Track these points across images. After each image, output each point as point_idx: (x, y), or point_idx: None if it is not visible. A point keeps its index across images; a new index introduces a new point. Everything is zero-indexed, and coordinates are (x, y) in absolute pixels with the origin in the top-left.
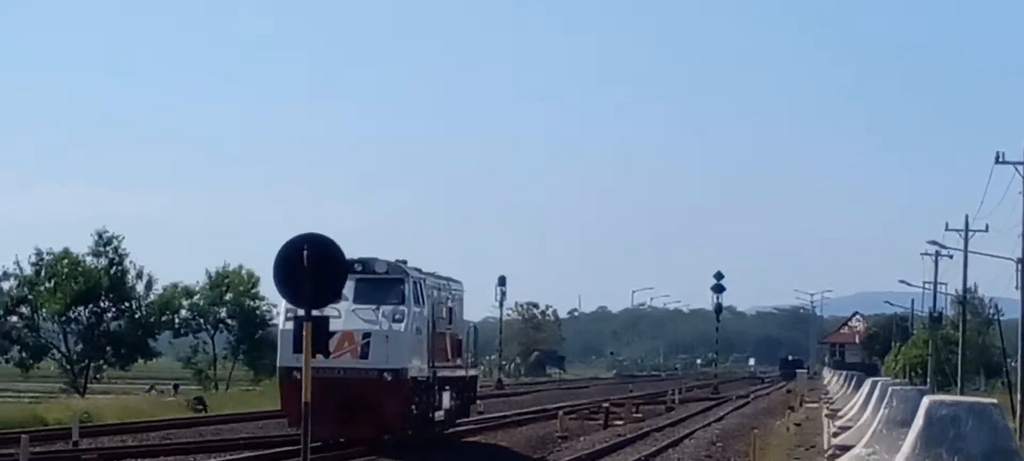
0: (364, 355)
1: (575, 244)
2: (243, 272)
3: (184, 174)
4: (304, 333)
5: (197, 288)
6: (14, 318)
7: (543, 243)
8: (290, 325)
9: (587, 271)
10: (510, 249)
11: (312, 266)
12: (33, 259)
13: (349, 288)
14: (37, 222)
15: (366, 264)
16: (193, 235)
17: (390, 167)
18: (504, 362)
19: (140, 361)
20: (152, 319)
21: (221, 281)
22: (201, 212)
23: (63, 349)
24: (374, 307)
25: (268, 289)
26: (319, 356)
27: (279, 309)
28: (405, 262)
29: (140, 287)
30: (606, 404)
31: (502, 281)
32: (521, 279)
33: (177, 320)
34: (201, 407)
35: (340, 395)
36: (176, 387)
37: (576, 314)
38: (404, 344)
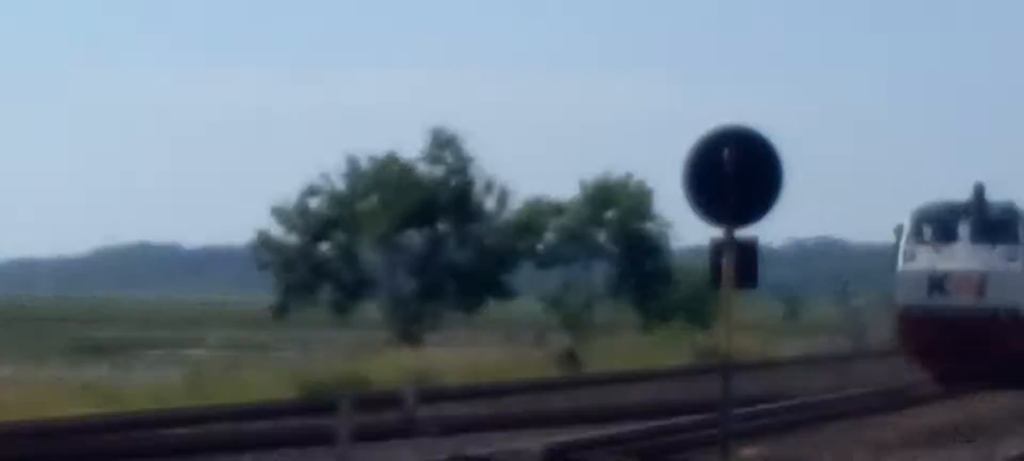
0: (981, 294)
1: None
2: (632, 183)
3: (549, 47)
4: (723, 261)
5: (568, 204)
6: (325, 246)
7: None
8: (912, 266)
9: None
10: None
11: (736, 170)
12: (345, 169)
13: (964, 229)
14: (352, 113)
15: (980, 206)
16: (561, 132)
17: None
18: None
19: (491, 302)
20: (508, 246)
21: (601, 195)
22: (572, 99)
23: (390, 287)
24: (990, 247)
25: (665, 205)
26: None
27: (675, 230)
28: (1013, 203)
29: (491, 203)
30: None
31: None
32: None
33: (541, 247)
34: (574, 363)
35: (955, 334)
36: (541, 337)
37: None
38: (1020, 284)
